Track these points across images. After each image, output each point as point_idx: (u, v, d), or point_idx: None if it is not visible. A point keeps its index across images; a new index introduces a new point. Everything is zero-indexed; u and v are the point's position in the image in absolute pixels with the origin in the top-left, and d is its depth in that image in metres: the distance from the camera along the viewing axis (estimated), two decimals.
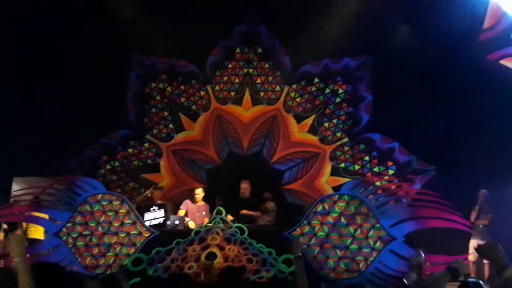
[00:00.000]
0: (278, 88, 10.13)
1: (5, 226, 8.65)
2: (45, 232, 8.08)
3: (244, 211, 8.20)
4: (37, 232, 8.34)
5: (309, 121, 9.98)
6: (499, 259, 2.95)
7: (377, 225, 7.49)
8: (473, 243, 7.89)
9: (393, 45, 9.39)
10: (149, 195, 8.74)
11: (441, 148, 8.91)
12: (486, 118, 8.59)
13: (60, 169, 8.85)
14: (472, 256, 7.82)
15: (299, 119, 10.02)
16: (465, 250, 7.87)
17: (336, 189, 9.08)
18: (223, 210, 7.64)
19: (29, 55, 9.21)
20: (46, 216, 7.81)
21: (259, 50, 10.26)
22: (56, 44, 9.25)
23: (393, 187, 8.27)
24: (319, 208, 7.65)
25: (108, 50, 9.29)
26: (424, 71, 9.22)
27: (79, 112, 9.22)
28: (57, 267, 4.82)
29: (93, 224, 7.66)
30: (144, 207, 8.11)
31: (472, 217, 7.90)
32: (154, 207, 8.12)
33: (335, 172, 9.76)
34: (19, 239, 3.32)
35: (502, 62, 8.81)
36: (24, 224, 8.43)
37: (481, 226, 7.83)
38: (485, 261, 7.73)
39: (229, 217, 7.77)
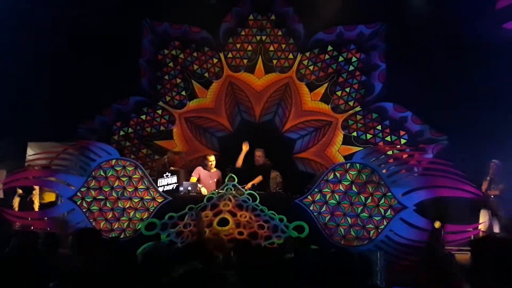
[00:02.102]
0: (291, 56, 10.08)
1: (20, 191, 8.81)
2: (58, 196, 8.22)
3: (249, 185, 8.16)
4: (50, 196, 8.48)
5: (321, 89, 9.94)
6: None
7: (388, 194, 7.53)
8: (484, 213, 7.92)
9: (408, 13, 9.25)
10: (166, 160, 8.81)
11: (454, 117, 8.86)
12: (500, 88, 8.50)
13: (74, 135, 8.95)
14: (482, 225, 7.86)
15: (311, 87, 9.98)
16: (476, 220, 7.90)
17: (348, 158, 9.11)
18: (235, 177, 7.71)
19: (43, 20, 9.19)
20: (60, 181, 7.93)
21: (272, 17, 10.19)
22: (70, 10, 9.22)
23: (405, 156, 8.29)
24: (331, 176, 7.69)
25: (121, 15, 9.29)
26: (438, 39, 9.12)
27: (92, 78, 9.26)
28: (96, 232, 4.96)
29: (107, 189, 7.76)
30: (157, 173, 8.19)
31: (484, 187, 7.91)
32: (167, 173, 8.19)
33: (347, 141, 9.76)
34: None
35: None
36: (36, 188, 8.57)
37: (492, 196, 7.83)
38: (495, 231, 7.77)
39: (248, 186, 7.85)
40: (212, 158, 8.67)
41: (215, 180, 8.52)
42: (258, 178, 8.26)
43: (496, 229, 7.73)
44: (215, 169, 8.65)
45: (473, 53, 8.72)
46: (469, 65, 8.75)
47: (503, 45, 8.49)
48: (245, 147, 8.61)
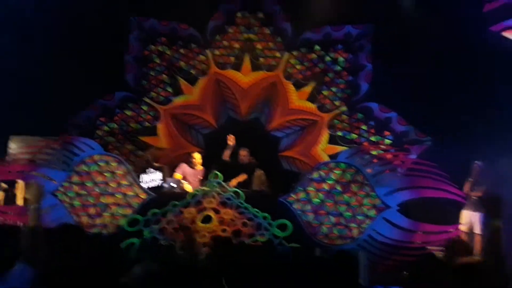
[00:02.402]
0: (278, 54, 10.07)
1: (4, 185, 8.70)
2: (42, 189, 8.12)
3: (233, 183, 8.14)
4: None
5: (308, 88, 9.94)
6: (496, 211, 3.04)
7: (372, 193, 7.58)
8: (466, 214, 7.95)
9: (395, 14, 9.29)
10: (149, 157, 8.77)
11: (438, 119, 8.90)
12: (486, 89, 8.56)
13: (57, 129, 8.85)
14: (463, 226, 7.90)
15: (298, 86, 9.98)
16: (458, 221, 7.95)
17: (333, 157, 9.13)
18: (220, 175, 7.69)
19: (28, 15, 9.11)
20: (43, 175, 7.85)
21: (260, 15, 10.17)
22: (56, 4, 9.14)
23: (389, 156, 8.33)
24: (315, 175, 7.72)
25: (108, 11, 9.22)
26: (425, 41, 9.15)
27: (77, 73, 9.17)
28: (79, 229, 4.91)
29: (90, 184, 7.72)
30: (141, 169, 8.14)
31: (466, 188, 7.95)
32: (151, 170, 8.16)
33: (332, 140, 9.77)
34: (40, 187, 3.46)
35: (505, 33, 8.74)
36: (20, 182, 8.47)
37: (474, 197, 7.88)
38: (476, 232, 7.82)
39: (234, 182, 7.84)
40: (197, 156, 8.64)
41: (200, 177, 8.50)
42: (243, 176, 8.25)
43: (477, 230, 7.78)
44: (200, 167, 8.62)
45: (460, 55, 8.76)
46: (455, 67, 8.80)
47: (490, 47, 8.54)
48: (231, 142, 8.58)
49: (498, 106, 8.41)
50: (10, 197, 8.52)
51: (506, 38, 8.78)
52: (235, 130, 9.70)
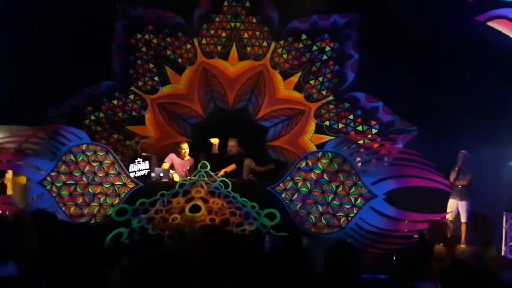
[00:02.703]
0: (265, 43, 10.06)
1: None
2: (28, 180, 8.09)
3: (222, 173, 8.17)
4: (19, 180, 8.33)
5: (295, 78, 9.96)
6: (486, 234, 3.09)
7: (359, 183, 7.66)
8: (452, 202, 8.08)
9: (381, 4, 9.32)
10: (139, 146, 8.76)
11: (424, 108, 8.99)
12: (471, 79, 8.65)
13: (43, 118, 8.80)
14: (450, 215, 8.03)
15: (285, 75, 9.99)
16: (444, 209, 8.07)
17: (320, 146, 9.17)
18: (208, 164, 7.72)
19: (12, 2, 9.00)
20: (30, 165, 7.81)
21: (247, 4, 10.14)
22: None
23: (375, 145, 8.41)
24: (303, 164, 7.77)
25: None
26: (411, 31, 9.18)
27: (63, 62, 9.10)
28: (52, 215, 4.90)
29: (77, 174, 7.70)
30: (129, 159, 8.13)
31: (452, 178, 8.07)
32: (138, 159, 8.15)
33: (319, 130, 9.81)
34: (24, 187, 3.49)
35: (490, 23, 8.83)
36: (10, 172, 8.43)
37: (460, 186, 8.00)
38: (462, 221, 7.95)
39: (221, 172, 7.88)
40: (185, 146, 8.64)
41: (188, 167, 8.50)
42: (231, 166, 8.27)
43: (463, 219, 7.91)
44: (188, 157, 8.63)
45: (446, 44, 8.84)
46: (441, 56, 8.89)
47: (475, 37, 8.62)
48: (215, 142, 8.59)
49: (483, 96, 8.51)
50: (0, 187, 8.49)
51: (491, 28, 8.86)
52: (222, 120, 9.77)
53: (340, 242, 4.25)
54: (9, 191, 8.40)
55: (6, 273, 3.63)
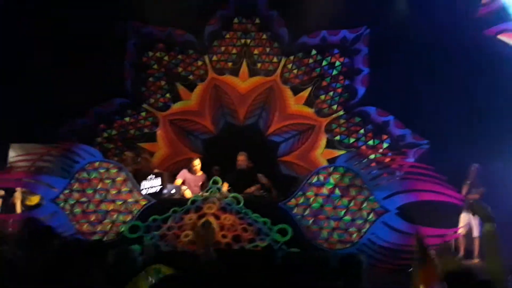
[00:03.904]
0: (275, 59, 10.14)
1: (1, 192, 8.71)
2: (42, 198, 8.15)
3: (249, 190, 8.21)
4: (36, 198, 8.40)
5: (305, 93, 10.01)
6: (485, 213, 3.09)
7: (371, 197, 7.59)
8: (464, 216, 8.04)
9: (391, 18, 9.38)
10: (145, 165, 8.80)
11: (435, 122, 8.97)
12: (482, 93, 8.63)
13: (57, 136, 8.88)
14: (462, 229, 7.97)
15: (295, 91, 10.04)
16: (457, 224, 8.01)
17: (331, 161, 9.15)
18: (220, 180, 7.73)
19: (26, 20, 9.15)
20: (43, 183, 7.87)
21: (257, 20, 10.24)
22: (53, 10, 9.18)
23: (387, 160, 8.38)
24: (314, 179, 7.74)
25: (105, 17, 9.25)
26: (421, 45, 9.22)
27: (76, 80, 9.19)
28: (49, 228, 4.88)
29: (90, 191, 7.73)
30: (140, 176, 8.17)
31: (464, 191, 8.03)
32: (151, 176, 8.18)
33: (330, 144, 9.83)
34: None
35: (500, 37, 8.82)
36: (18, 189, 8.49)
37: (472, 200, 7.95)
38: (475, 235, 7.89)
39: (225, 186, 7.87)
40: (197, 162, 8.67)
41: (200, 183, 8.53)
42: (257, 187, 8.32)
43: (476, 233, 7.85)
44: (200, 173, 8.66)
45: (455, 58, 8.85)
46: (451, 70, 8.88)
47: (484, 51, 8.62)
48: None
49: (495, 109, 8.47)
50: (9, 205, 8.55)
51: (501, 42, 8.86)
52: (233, 135, 9.81)
53: (348, 255, 4.25)
54: (18, 209, 8.45)
55: None
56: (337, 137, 9.80)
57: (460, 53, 8.79)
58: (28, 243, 4.28)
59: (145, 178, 8.14)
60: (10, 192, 8.58)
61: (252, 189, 8.21)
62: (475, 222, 7.88)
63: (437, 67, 9.09)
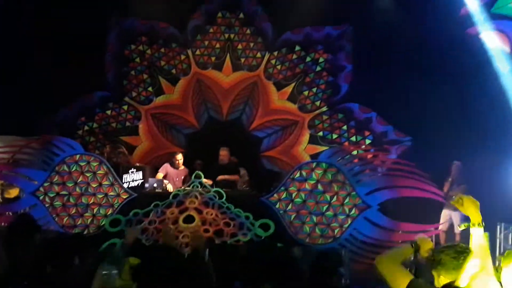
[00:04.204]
0: (259, 54, 10.11)
1: None
2: (21, 191, 8.03)
3: (221, 177, 8.22)
4: (13, 192, 8.26)
5: (289, 89, 10.00)
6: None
7: (353, 193, 7.63)
8: (445, 213, 8.10)
9: (374, 16, 9.39)
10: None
11: (417, 119, 9.02)
12: (464, 91, 8.69)
13: (37, 129, 8.75)
14: (443, 225, 8.04)
15: (279, 86, 10.03)
16: (437, 220, 8.08)
17: (314, 157, 9.20)
18: (202, 174, 7.69)
19: (6, 14, 8.99)
20: (23, 175, 7.76)
21: (241, 15, 10.20)
22: (35, 2, 9.05)
23: (369, 156, 8.43)
24: (297, 175, 7.74)
25: (87, 9, 9.12)
26: (404, 42, 9.25)
27: (56, 72, 9.06)
28: (33, 222, 4.81)
29: (70, 184, 7.64)
30: (122, 169, 8.09)
31: (445, 188, 8.10)
32: (132, 169, 8.11)
33: (313, 140, 9.84)
34: None
35: (482, 36, 8.90)
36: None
37: (454, 196, 8.00)
38: (456, 231, 7.96)
39: (207, 181, 7.83)
40: (179, 157, 8.62)
41: (182, 177, 8.48)
42: (235, 176, 8.30)
43: (457, 229, 7.92)
44: (182, 167, 8.61)
45: (438, 56, 8.89)
46: (433, 68, 8.93)
47: (466, 49, 8.69)
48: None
49: (476, 107, 8.54)
50: None
51: (483, 41, 8.93)
52: (216, 130, 9.77)
53: (327, 249, 4.26)
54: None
55: None
56: (320, 133, 9.81)
57: (444, 51, 8.83)
58: (10, 238, 4.20)
59: (125, 172, 8.05)
60: None
61: (225, 176, 8.16)
62: (455, 218, 7.95)
63: (420, 65, 9.13)
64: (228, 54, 10.11)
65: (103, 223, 7.49)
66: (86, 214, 7.59)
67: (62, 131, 9.16)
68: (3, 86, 8.96)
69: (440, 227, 8.06)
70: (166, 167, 8.56)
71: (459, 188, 8.01)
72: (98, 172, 7.70)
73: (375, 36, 9.29)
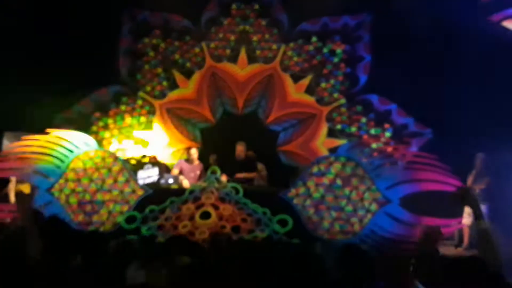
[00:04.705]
0: (274, 46, 9.93)
1: None
2: (34, 187, 7.95)
3: (240, 175, 8.09)
4: (25, 188, 8.21)
5: (306, 81, 9.81)
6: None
7: (373, 187, 7.45)
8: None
9: (393, 5, 9.15)
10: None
11: (438, 110, 8.79)
12: (486, 80, 8.46)
13: (51, 125, 8.68)
14: (466, 220, 7.83)
15: (296, 79, 9.84)
16: (460, 214, 7.86)
17: (332, 151, 9.02)
18: (218, 170, 7.56)
19: (20, 7, 8.94)
20: (37, 172, 7.68)
21: (256, 6, 10.05)
22: None
23: (389, 149, 8.24)
24: (315, 169, 7.58)
25: (100, 3, 9.02)
26: (424, 32, 9.02)
27: (70, 67, 8.99)
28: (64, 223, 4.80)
29: (86, 181, 7.55)
30: (137, 165, 8.00)
31: (469, 181, 7.88)
32: (147, 165, 8.00)
33: (331, 133, 9.63)
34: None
35: (505, 23, 8.64)
36: (13, 179, 8.31)
37: (477, 190, 7.80)
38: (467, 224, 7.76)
39: (224, 178, 7.70)
40: (194, 151, 8.50)
41: (198, 173, 8.36)
42: (253, 174, 8.16)
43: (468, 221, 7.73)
44: (197, 162, 8.49)
45: (460, 45, 8.66)
46: (455, 58, 8.69)
47: (489, 38, 8.44)
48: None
49: (499, 97, 8.31)
50: (3, 195, 8.38)
51: (506, 28, 8.68)
52: (232, 124, 9.63)
53: (352, 246, 4.11)
54: (12, 199, 8.27)
55: None
56: (339, 126, 9.59)
57: (465, 40, 8.60)
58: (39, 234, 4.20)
59: (140, 168, 7.96)
60: (3, 182, 8.39)
61: (243, 174, 8.04)
62: None
63: (441, 54, 8.91)
64: (243, 47, 9.93)
65: (119, 220, 7.39)
66: (102, 211, 7.49)
67: (77, 127, 9.07)
68: (17, 82, 8.92)
69: (463, 221, 7.84)
70: (180, 163, 8.45)
71: (483, 181, 7.80)
72: (113, 168, 7.60)
73: (394, 25, 9.06)
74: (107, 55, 9.53)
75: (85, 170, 7.56)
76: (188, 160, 8.46)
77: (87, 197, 7.52)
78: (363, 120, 9.49)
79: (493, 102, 8.44)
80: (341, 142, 9.17)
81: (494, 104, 8.43)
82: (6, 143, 8.91)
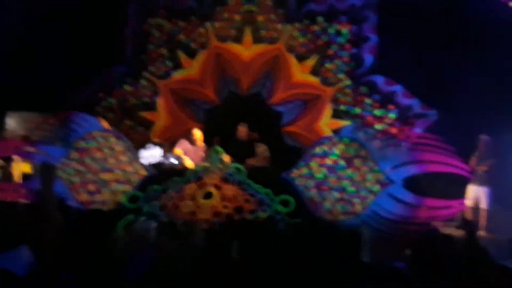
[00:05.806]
0: (280, 27, 9.82)
1: (1, 162, 8.58)
2: (33, 166, 7.99)
3: (251, 161, 8.07)
4: (26, 167, 8.25)
5: (311, 61, 9.71)
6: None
7: (376, 168, 7.43)
8: (471, 188, 7.85)
9: None
10: None
11: (444, 92, 8.72)
12: (494, 62, 8.36)
13: (55, 105, 8.71)
14: (470, 201, 7.80)
15: (301, 59, 9.75)
16: (463, 196, 7.83)
17: (336, 132, 8.93)
18: (221, 150, 7.56)
19: None
20: (41, 152, 7.73)
21: None
22: None
23: (393, 131, 8.18)
24: (318, 150, 7.57)
25: None
26: (431, 12, 8.92)
27: (75, 47, 9.00)
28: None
29: (88, 161, 7.59)
30: (140, 145, 8.03)
31: (472, 163, 7.82)
32: (150, 145, 8.03)
33: (335, 114, 9.53)
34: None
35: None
36: (16, 158, 8.35)
37: (480, 171, 7.76)
38: (482, 207, 7.72)
39: (227, 158, 7.70)
40: (197, 132, 8.50)
41: (201, 154, 8.36)
42: (264, 161, 8.20)
43: (483, 205, 7.68)
44: (201, 143, 8.49)
45: (466, 25, 8.55)
46: (462, 38, 8.60)
47: (498, 20, 8.32)
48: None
49: (505, 79, 8.22)
50: (7, 174, 8.42)
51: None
52: (236, 105, 9.59)
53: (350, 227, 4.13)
54: (16, 178, 8.32)
55: (21, 260, 3.54)
56: (343, 107, 9.49)
57: (473, 20, 8.48)
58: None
59: (143, 148, 7.99)
60: (7, 161, 8.44)
61: (253, 160, 8.04)
62: (482, 194, 7.70)
63: (447, 35, 8.80)
64: (249, 27, 9.85)
65: (121, 199, 7.44)
66: (105, 191, 7.54)
67: (81, 107, 9.08)
68: (21, 62, 8.95)
69: (466, 203, 7.80)
70: (183, 143, 8.45)
71: (486, 163, 7.75)
72: (116, 148, 7.63)
73: (402, 6, 8.94)
74: (112, 35, 9.50)
75: (88, 149, 7.60)
76: (191, 141, 8.45)
77: (90, 176, 7.56)
78: (368, 101, 9.36)
79: (500, 84, 8.36)
80: (345, 123, 9.08)
81: (500, 86, 8.35)
82: (9, 123, 8.94)
